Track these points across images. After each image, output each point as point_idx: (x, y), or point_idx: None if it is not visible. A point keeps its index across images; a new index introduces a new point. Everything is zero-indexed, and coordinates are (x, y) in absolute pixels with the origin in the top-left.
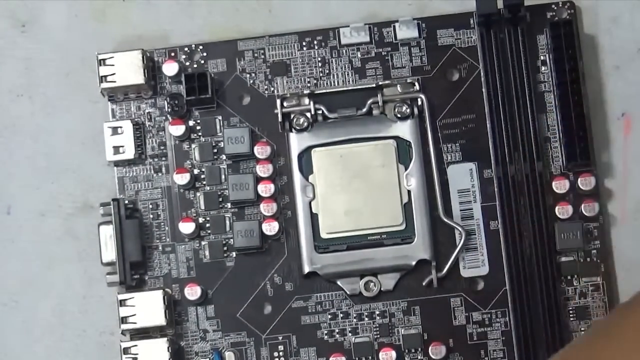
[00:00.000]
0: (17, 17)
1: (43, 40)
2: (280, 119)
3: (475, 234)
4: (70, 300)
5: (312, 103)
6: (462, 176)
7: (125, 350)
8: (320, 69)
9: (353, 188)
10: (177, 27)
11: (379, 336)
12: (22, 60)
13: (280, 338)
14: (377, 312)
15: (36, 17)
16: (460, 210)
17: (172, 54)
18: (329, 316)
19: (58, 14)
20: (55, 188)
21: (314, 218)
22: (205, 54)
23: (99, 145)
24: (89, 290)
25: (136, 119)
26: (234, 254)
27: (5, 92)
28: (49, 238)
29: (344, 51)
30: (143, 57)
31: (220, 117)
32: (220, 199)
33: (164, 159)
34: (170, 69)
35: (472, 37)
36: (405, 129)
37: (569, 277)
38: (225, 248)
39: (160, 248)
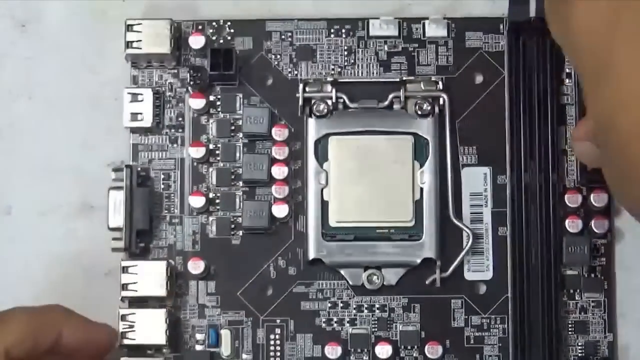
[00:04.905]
0: (17, 17)
1: (43, 40)
2: (300, 103)
3: (482, 238)
4: (70, 300)
5: (334, 91)
6: (476, 179)
7: (123, 317)
8: (346, 58)
9: (366, 179)
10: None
11: (376, 329)
12: (22, 60)
13: (278, 321)
14: (377, 306)
15: (36, 17)
16: (471, 213)
17: (200, 27)
18: (329, 304)
19: (58, 14)
20: (55, 188)
21: (324, 205)
22: (232, 31)
23: (99, 145)
24: (89, 291)
25: (157, 88)
26: (240, 232)
27: (5, 92)
28: (49, 238)
29: (371, 43)
30: (171, 27)
31: (241, 95)
32: (233, 177)
33: (180, 130)
34: (197, 41)
35: (500, 43)
36: (424, 127)
37: (571, 291)
38: (232, 226)
39: (167, 219)
